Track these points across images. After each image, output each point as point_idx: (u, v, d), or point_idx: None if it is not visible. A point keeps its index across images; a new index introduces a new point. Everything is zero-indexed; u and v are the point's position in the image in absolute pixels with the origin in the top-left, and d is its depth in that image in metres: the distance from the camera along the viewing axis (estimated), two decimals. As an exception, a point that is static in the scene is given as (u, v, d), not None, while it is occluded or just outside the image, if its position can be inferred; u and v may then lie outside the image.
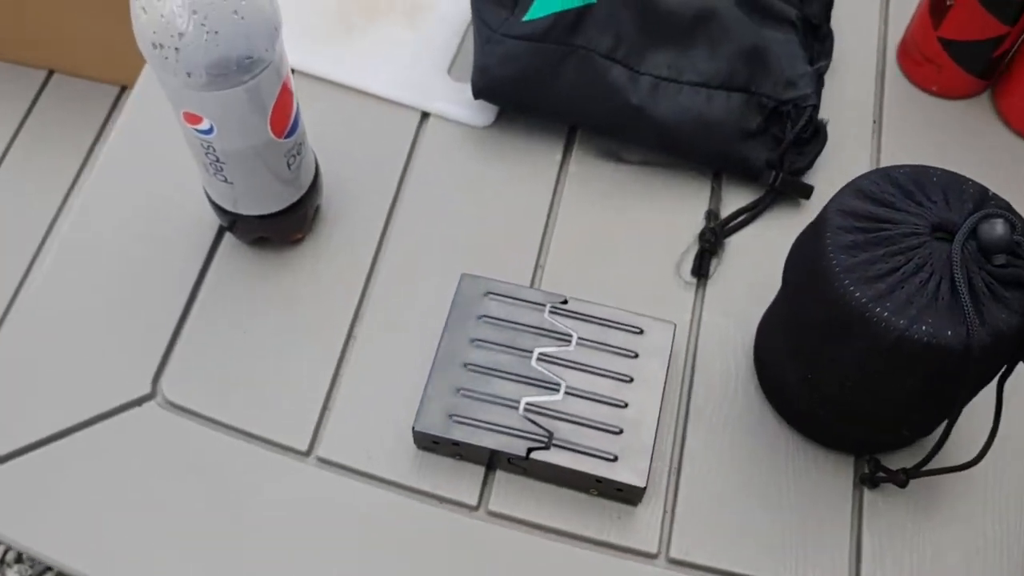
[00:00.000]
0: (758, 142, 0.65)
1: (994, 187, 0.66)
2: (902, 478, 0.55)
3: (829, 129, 0.67)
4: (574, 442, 0.54)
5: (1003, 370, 0.50)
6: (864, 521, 0.56)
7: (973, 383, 0.49)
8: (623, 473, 0.54)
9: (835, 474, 0.58)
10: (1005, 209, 0.49)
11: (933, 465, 0.54)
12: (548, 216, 0.66)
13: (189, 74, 0.47)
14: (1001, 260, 0.46)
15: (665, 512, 0.56)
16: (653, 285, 0.63)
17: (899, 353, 0.47)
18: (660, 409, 0.56)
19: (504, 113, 0.69)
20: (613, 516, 0.56)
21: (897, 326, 0.46)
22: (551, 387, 0.56)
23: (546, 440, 0.54)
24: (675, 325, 0.59)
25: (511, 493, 0.56)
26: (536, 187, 0.67)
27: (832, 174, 0.67)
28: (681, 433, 0.59)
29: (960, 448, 0.55)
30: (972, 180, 0.50)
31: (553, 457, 0.54)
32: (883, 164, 0.68)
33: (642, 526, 0.56)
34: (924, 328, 0.46)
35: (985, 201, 0.49)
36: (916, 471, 0.54)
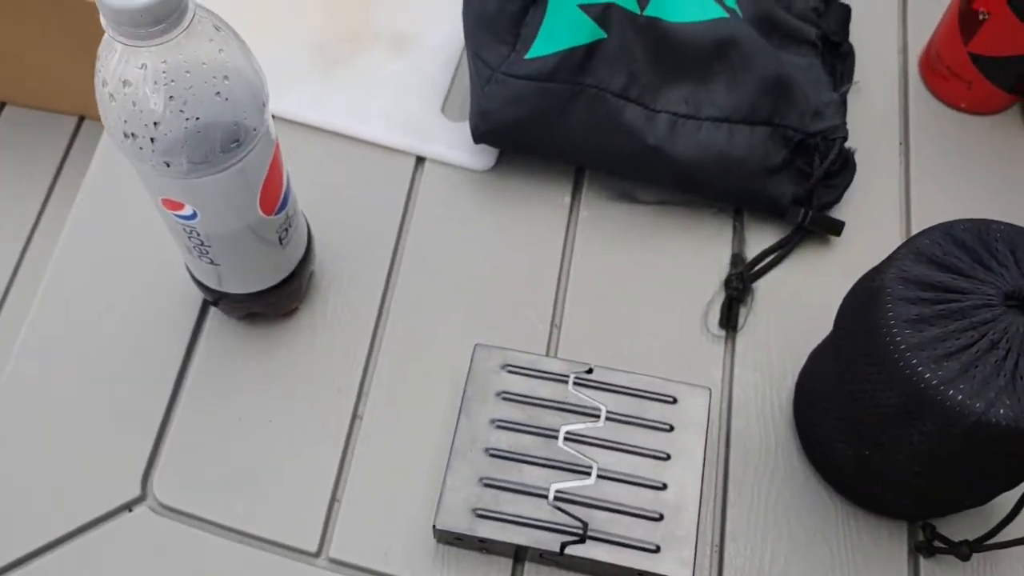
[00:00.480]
0: (783, 177, 0.60)
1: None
2: (966, 551, 0.50)
3: (857, 156, 0.63)
4: (612, 532, 0.50)
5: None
6: (923, 596, 0.52)
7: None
8: (667, 565, 0.49)
9: (888, 542, 0.53)
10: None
11: (996, 537, 0.50)
12: (561, 267, 0.61)
13: (168, 164, 0.41)
14: (1079, 331, 0.42)
15: (708, 595, 0.52)
16: (679, 340, 0.59)
17: (975, 438, 0.42)
18: (702, 487, 0.51)
19: (505, 153, 0.64)
20: (653, 605, 0.52)
21: (974, 410, 0.42)
22: (582, 471, 0.51)
23: (581, 532, 0.50)
24: (710, 391, 0.54)
25: (543, 586, 0.52)
26: (546, 235, 0.62)
27: (861, 204, 0.63)
28: (721, 507, 0.54)
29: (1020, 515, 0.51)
30: (1004, 226, 0.45)
31: (590, 551, 0.49)
32: (913, 189, 0.64)
33: (684, 614, 0.51)
34: (1003, 411, 0.41)
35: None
36: (980, 545, 0.50)
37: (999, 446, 0.42)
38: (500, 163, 0.64)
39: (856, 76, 0.66)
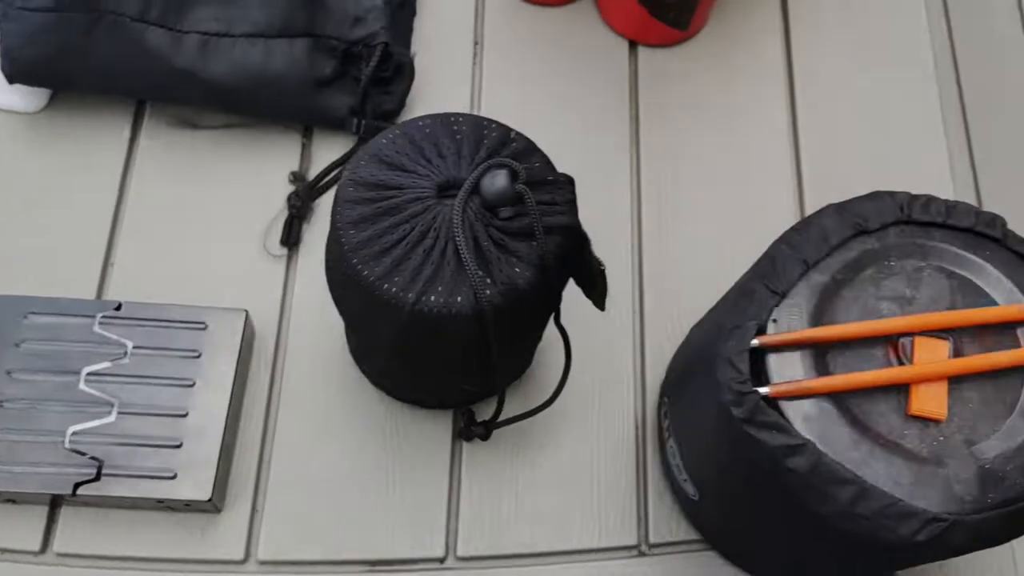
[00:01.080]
0: (336, 89, 0.59)
1: (600, 88, 0.63)
2: (482, 431, 0.52)
3: (427, 60, 0.62)
4: (128, 466, 0.49)
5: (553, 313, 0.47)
6: (463, 471, 0.54)
7: (509, 335, 0.45)
8: (184, 489, 0.49)
9: (434, 432, 0.55)
10: (519, 154, 0.45)
11: (517, 412, 0.51)
12: (117, 204, 0.59)
13: None
14: (507, 213, 0.43)
15: (255, 511, 0.52)
16: (239, 264, 0.58)
17: (417, 326, 0.43)
18: (228, 408, 0.51)
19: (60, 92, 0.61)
20: (196, 529, 0.51)
21: (407, 300, 0.42)
22: (102, 410, 0.50)
23: (95, 471, 0.49)
24: (246, 312, 0.53)
25: (80, 527, 0.51)
26: (104, 171, 0.60)
27: (431, 109, 0.62)
28: (273, 423, 0.54)
29: (547, 384, 0.53)
30: (497, 123, 0.46)
31: (105, 488, 0.49)
32: (485, 88, 0.64)
33: (228, 533, 0.52)
34: (433, 299, 0.42)
35: (503, 147, 0.44)
36: (493, 423, 0.51)
37: (442, 331, 0.43)
38: (55, 101, 0.61)
39: (425, -21, 0.66)
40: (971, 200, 0.62)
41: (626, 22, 0.65)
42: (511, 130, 0.46)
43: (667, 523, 0.53)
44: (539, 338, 0.52)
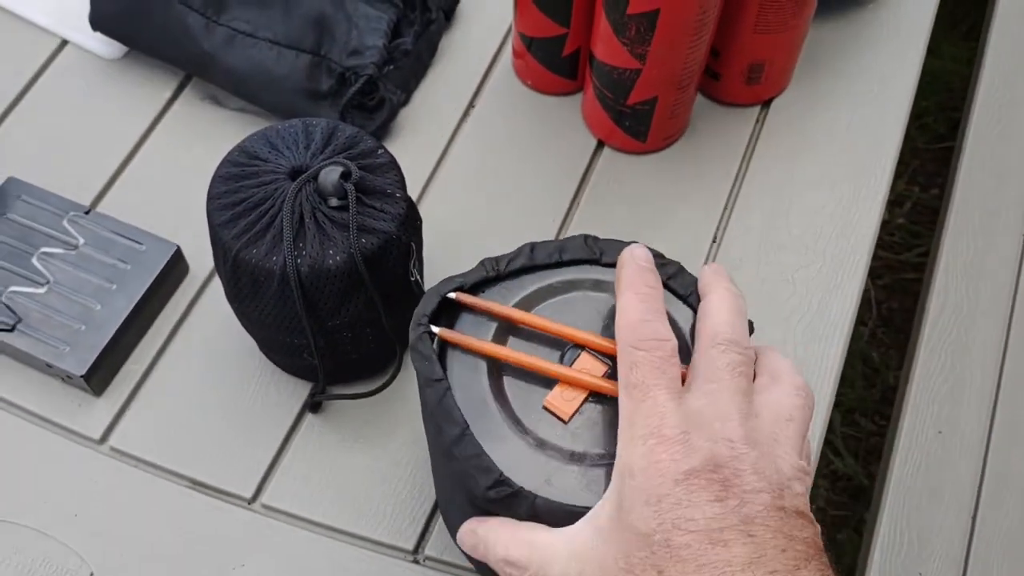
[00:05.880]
0: (329, 103, 0.71)
1: (553, 175, 0.73)
2: (312, 404, 0.61)
3: (424, 104, 0.74)
4: (38, 330, 0.61)
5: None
6: (297, 435, 0.62)
7: (320, 311, 0.54)
8: (67, 362, 0.60)
9: (291, 396, 0.63)
10: (377, 165, 0.54)
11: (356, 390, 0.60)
12: (138, 143, 0.73)
13: None
14: (335, 203, 0.52)
15: (126, 407, 0.63)
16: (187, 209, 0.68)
17: (242, 274, 0.53)
18: (129, 314, 0.62)
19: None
20: (74, 403, 0.63)
21: (234, 247, 0.52)
22: (39, 281, 0.63)
23: (12, 324, 0.61)
24: (177, 246, 0.65)
25: (-7, 370, 0.63)
26: (139, 118, 0.73)
27: (412, 144, 0.73)
28: (172, 344, 0.65)
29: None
30: (351, 127, 0.56)
31: (13, 340, 0.61)
32: (458, 141, 0.74)
33: (97, 415, 0.62)
34: (255, 251, 0.52)
35: (352, 148, 0.54)
36: (315, 396, 0.60)
37: (259, 284, 0.53)
38: (130, 55, 0.76)
39: (458, 46, 0.77)
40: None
41: (596, 123, 0.73)
42: (379, 145, 0.56)
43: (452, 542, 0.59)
44: (384, 341, 0.59)
